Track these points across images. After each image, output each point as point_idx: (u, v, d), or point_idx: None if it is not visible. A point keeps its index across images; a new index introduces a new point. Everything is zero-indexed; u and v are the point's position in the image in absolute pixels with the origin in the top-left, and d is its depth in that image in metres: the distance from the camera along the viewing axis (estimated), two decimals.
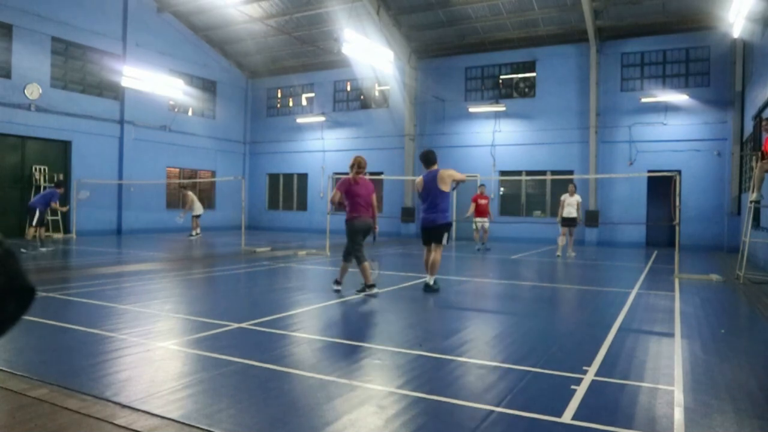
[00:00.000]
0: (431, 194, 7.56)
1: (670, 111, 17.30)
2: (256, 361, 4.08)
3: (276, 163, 24.53)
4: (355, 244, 7.25)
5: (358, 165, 7.56)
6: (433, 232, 7.58)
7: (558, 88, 18.79)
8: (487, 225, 14.89)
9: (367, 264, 7.20)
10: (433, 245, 7.60)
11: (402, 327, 5.67)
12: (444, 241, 7.56)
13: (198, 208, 17.68)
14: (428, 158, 7.76)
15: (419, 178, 7.80)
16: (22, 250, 12.34)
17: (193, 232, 17.49)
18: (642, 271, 10.68)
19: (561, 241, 13.64)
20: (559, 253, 13.50)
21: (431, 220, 7.58)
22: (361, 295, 7.17)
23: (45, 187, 13.56)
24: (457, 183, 7.81)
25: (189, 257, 12.01)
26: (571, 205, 13.40)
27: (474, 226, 15.17)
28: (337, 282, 7.50)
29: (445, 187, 7.50)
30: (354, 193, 7.44)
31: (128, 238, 17.51)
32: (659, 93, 17.33)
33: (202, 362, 4.11)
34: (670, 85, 17.55)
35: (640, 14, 17.21)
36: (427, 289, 7.53)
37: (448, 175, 7.55)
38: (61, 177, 16.48)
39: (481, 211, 14.73)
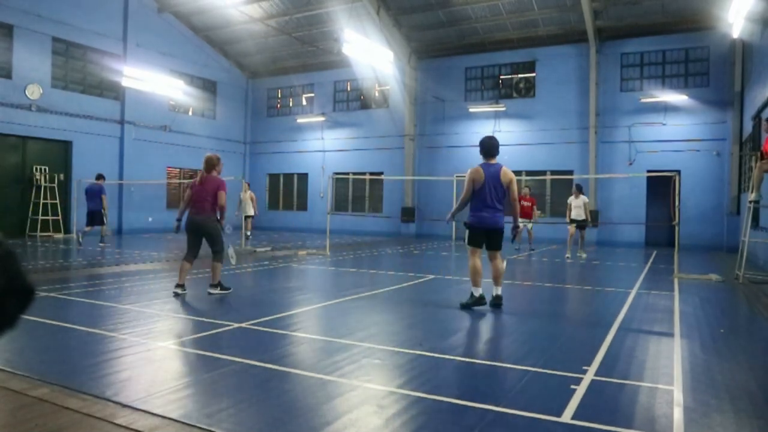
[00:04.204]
0: (495, 190, 6.33)
1: (669, 111, 17.31)
2: (256, 361, 4.08)
3: (276, 163, 24.55)
4: (187, 242, 7.21)
5: (206, 163, 7.23)
6: (495, 235, 6.45)
7: (558, 89, 18.80)
8: (530, 226, 14.73)
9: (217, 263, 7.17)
10: (490, 252, 6.52)
11: (402, 327, 5.67)
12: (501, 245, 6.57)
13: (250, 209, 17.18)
14: (492, 148, 6.53)
15: (477, 168, 6.43)
16: (101, 245, 13.89)
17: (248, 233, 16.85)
18: (641, 271, 10.68)
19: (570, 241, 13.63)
20: (568, 254, 13.40)
21: (496, 222, 6.39)
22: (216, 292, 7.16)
23: (87, 191, 13.99)
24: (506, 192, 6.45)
25: None
26: (578, 206, 13.36)
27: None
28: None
29: (505, 187, 6.40)
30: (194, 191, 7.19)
31: (129, 238, 17.50)
32: (659, 93, 17.34)
33: (202, 362, 4.11)
34: (670, 85, 17.55)
35: (639, 14, 17.22)
36: (496, 302, 6.37)
37: (510, 179, 6.42)
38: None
39: (524, 214, 14.43)
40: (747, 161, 14.38)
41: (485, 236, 6.45)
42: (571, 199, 13.53)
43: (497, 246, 6.49)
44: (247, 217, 16.28)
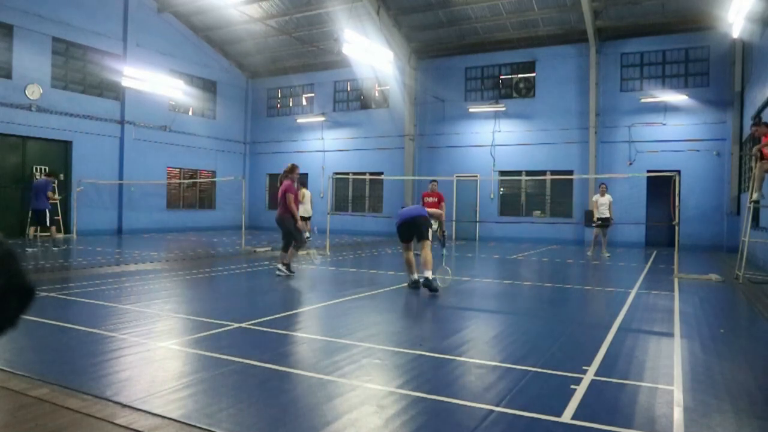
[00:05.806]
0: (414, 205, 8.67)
1: (669, 111, 17.30)
2: (256, 361, 4.08)
3: (276, 163, 24.49)
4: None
5: (284, 170, 9.13)
6: (412, 226, 7.78)
7: (558, 89, 18.79)
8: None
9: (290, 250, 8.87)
10: (419, 243, 7.83)
11: (402, 327, 5.67)
12: (428, 236, 7.77)
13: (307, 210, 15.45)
14: None
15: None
16: (28, 250, 12.29)
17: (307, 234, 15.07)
18: (642, 271, 10.68)
19: (593, 241, 13.79)
20: (590, 253, 13.57)
21: (411, 214, 7.89)
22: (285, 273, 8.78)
23: (33, 187, 12.78)
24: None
25: (189, 257, 12.02)
26: (604, 204, 13.53)
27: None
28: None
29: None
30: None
31: (129, 238, 17.50)
32: (659, 93, 17.33)
33: (202, 362, 4.11)
34: (670, 85, 17.55)
35: (639, 14, 17.21)
36: (427, 283, 7.41)
37: (432, 212, 8.46)
38: (44, 170, 16.16)
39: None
40: (747, 161, 14.38)
41: (407, 229, 7.81)
42: (597, 197, 13.76)
43: (420, 236, 7.74)
44: (303, 218, 14.96)
